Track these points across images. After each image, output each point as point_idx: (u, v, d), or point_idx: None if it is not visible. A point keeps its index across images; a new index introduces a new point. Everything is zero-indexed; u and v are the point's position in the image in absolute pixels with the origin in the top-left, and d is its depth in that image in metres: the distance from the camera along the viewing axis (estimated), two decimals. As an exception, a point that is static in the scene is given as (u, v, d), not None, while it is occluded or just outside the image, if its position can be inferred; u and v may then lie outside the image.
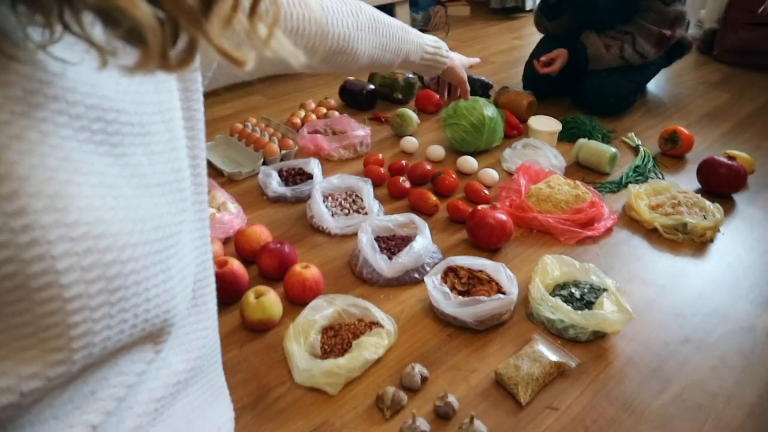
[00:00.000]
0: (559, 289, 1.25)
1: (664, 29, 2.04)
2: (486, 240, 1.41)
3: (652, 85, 2.44)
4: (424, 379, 1.05)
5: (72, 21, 0.34)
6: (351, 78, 2.31)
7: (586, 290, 1.23)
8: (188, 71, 0.57)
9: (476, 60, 1.49)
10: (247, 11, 0.36)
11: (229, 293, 1.21)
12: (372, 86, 2.25)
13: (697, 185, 1.68)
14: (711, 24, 2.91)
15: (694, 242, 1.45)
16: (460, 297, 1.18)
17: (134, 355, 0.50)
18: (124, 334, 0.45)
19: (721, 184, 1.62)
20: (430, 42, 1.24)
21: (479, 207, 1.45)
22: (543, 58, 2.15)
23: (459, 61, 1.37)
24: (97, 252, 0.41)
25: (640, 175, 1.75)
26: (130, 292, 0.44)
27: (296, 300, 1.22)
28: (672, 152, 1.86)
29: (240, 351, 1.13)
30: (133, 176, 0.45)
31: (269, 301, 1.16)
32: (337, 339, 1.11)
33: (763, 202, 1.61)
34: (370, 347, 1.07)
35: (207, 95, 0.63)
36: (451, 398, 0.99)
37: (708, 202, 1.51)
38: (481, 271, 1.26)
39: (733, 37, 2.68)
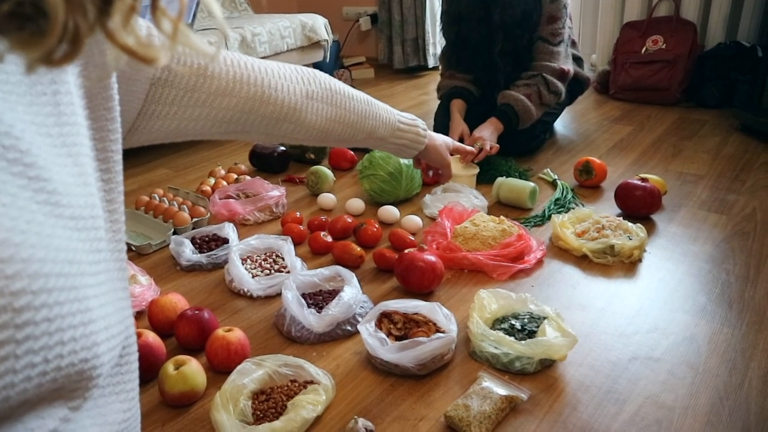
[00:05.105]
0: (498, 323, 1.20)
1: (562, 65, 2.10)
2: (417, 283, 1.35)
3: (560, 126, 2.51)
4: (369, 434, 0.96)
5: None
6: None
7: (526, 320, 1.18)
8: (106, 109, 0.51)
9: (470, 149, 1.40)
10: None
11: (144, 369, 1.06)
12: (283, 148, 2.19)
13: (617, 210, 1.70)
14: (603, 66, 3.07)
15: (623, 264, 1.44)
16: (398, 342, 1.11)
17: (42, 411, 0.41)
18: (31, 383, 0.37)
19: (639, 206, 1.65)
20: (404, 119, 1.12)
21: (406, 251, 1.40)
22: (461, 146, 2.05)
23: (442, 141, 1.25)
24: (3, 278, 0.34)
25: (561, 207, 1.76)
26: (41, 330, 0.37)
27: (221, 367, 1.11)
28: (588, 183, 1.88)
29: (162, 430, 1.01)
30: (47, 203, 0.40)
31: (191, 370, 1.05)
32: (269, 403, 1.00)
33: (681, 220, 1.64)
34: (307, 405, 0.97)
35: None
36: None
37: (630, 224, 1.52)
38: (416, 313, 1.19)
39: (625, 76, 2.84)
